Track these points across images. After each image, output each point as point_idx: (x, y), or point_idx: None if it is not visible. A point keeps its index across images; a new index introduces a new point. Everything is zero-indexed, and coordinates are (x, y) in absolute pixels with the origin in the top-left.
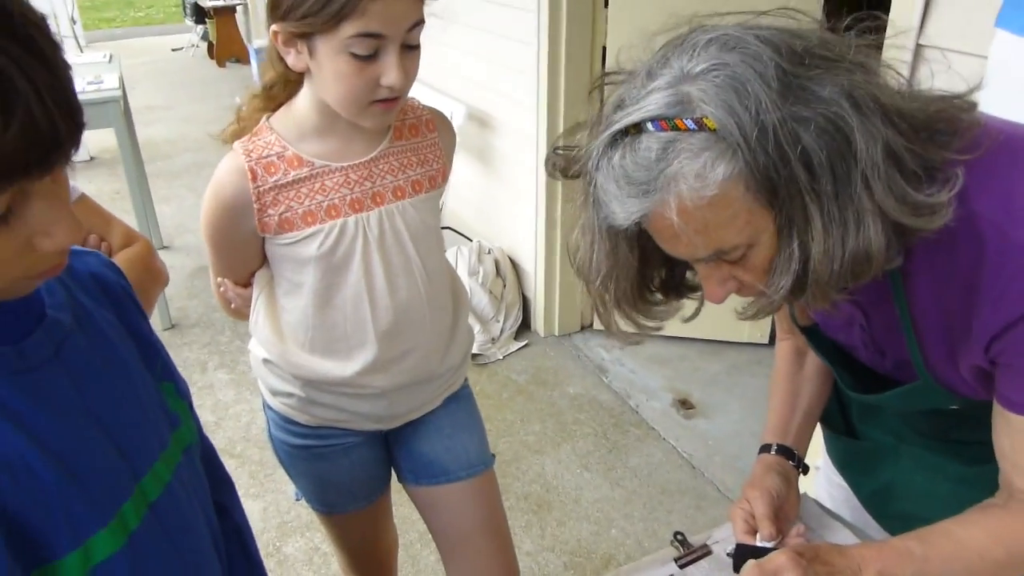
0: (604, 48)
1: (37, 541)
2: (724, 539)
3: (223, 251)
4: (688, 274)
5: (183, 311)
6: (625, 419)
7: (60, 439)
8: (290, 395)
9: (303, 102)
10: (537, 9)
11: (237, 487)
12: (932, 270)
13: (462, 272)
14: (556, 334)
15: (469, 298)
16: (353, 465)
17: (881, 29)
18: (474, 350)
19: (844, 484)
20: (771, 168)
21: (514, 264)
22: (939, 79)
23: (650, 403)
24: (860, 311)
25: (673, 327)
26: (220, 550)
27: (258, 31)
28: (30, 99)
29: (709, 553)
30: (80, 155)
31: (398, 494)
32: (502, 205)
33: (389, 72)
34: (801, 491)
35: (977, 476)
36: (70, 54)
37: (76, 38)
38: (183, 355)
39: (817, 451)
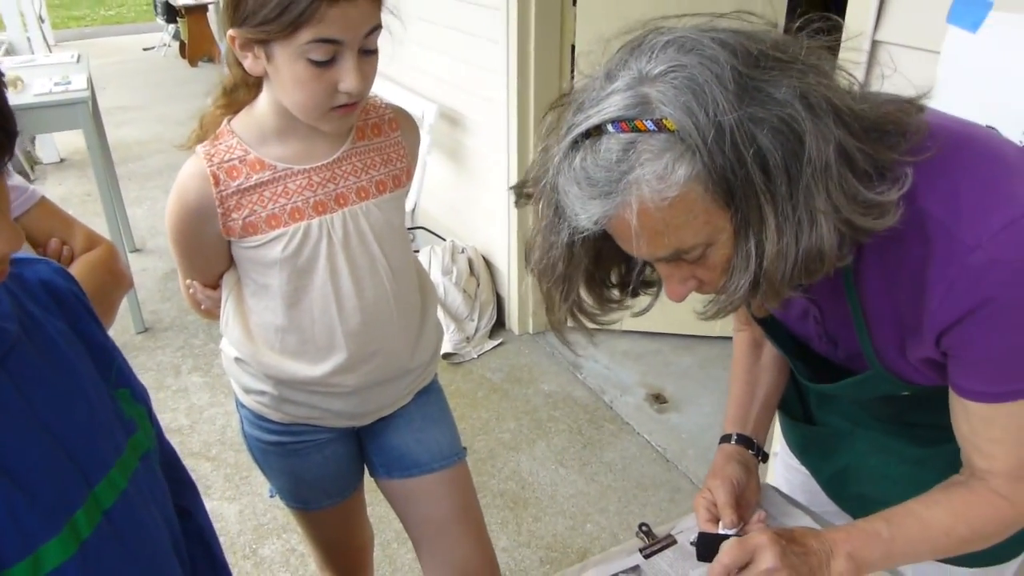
0: (573, 47)
1: None
2: (688, 529)
3: (189, 254)
4: (647, 271)
5: (156, 314)
6: (599, 415)
7: (6, 449)
8: (263, 393)
9: (263, 105)
10: (506, 8)
11: (212, 490)
12: (882, 266)
13: (435, 271)
14: (530, 332)
15: (438, 293)
16: (326, 461)
17: (835, 30)
18: (449, 349)
19: (801, 469)
20: (728, 169)
21: (488, 263)
22: (892, 79)
23: (624, 398)
24: (814, 305)
25: (646, 323)
26: (182, 555)
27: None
28: None
29: (674, 543)
30: (50, 156)
31: (373, 493)
32: (475, 204)
33: (347, 77)
34: (761, 479)
35: (930, 457)
36: (38, 54)
37: (44, 37)
38: (157, 358)
39: (774, 438)
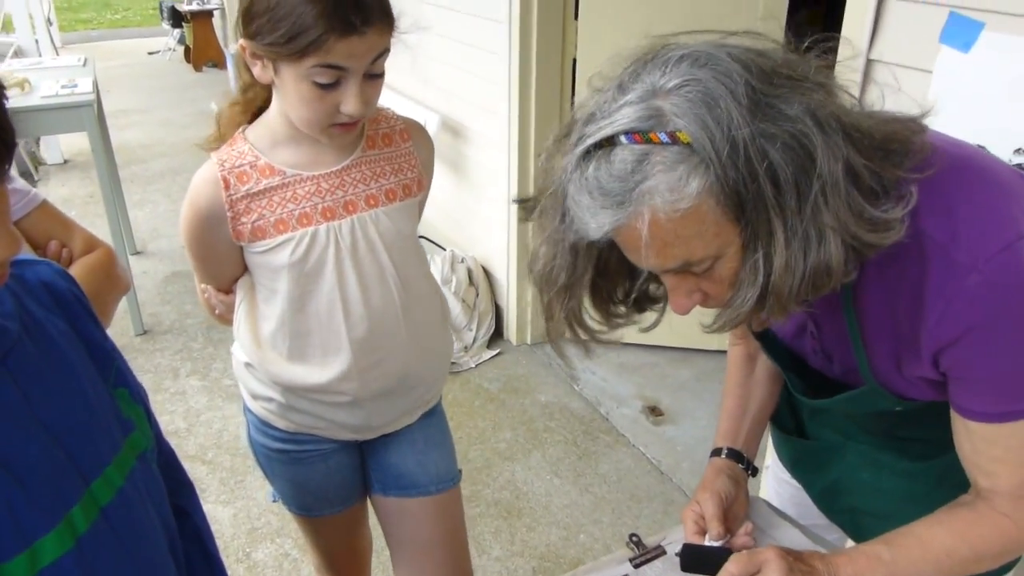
0: (574, 60)
1: None
2: (677, 540)
3: (203, 258)
4: (651, 287)
5: (156, 317)
6: (595, 426)
7: (5, 444)
8: (270, 400)
9: (274, 112)
10: (508, 20)
11: (207, 493)
12: (882, 282)
13: None
14: (528, 343)
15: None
16: (330, 471)
17: (835, 50)
18: None
19: (792, 482)
20: (740, 183)
21: (487, 273)
22: (889, 99)
23: (620, 410)
24: (811, 320)
25: (643, 335)
26: (178, 554)
27: (235, 36)
28: None
29: (663, 553)
30: (54, 158)
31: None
32: (475, 214)
33: (348, 101)
34: (752, 492)
35: (921, 471)
36: (46, 56)
37: (52, 40)
38: (155, 361)
39: (765, 452)
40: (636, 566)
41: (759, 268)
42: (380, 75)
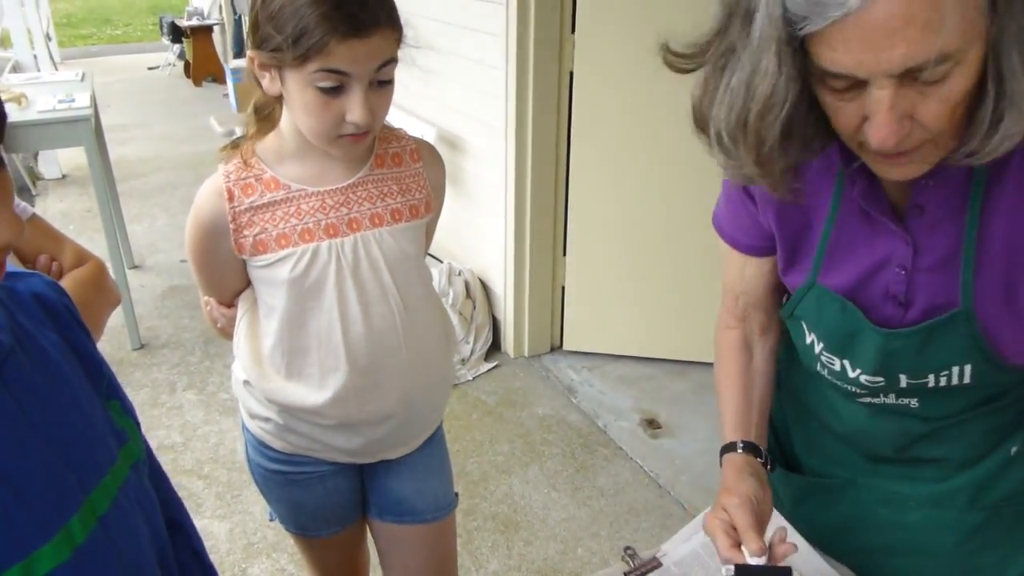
0: (572, 73)
1: None
2: (671, 552)
3: (205, 270)
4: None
5: (153, 331)
6: (593, 439)
7: (3, 455)
8: (267, 420)
9: (284, 125)
10: (505, 35)
11: (203, 508)
12: (1021, 186)
13: None
14: (526, 355)
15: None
16: (328, 492)
17: None
18: None
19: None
20: None
21: (484, 285)
22: None
23: (618, 423)
24: (909, 248)
25: (640, 347)
26: (168, 565)
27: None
28: None
29: (659, 566)
30: (52, 173)
31: None
32: (472, 226)
33: (354, 109)
34: None
35: (947, 494)
36: (44, 71)
37: (51, 55)
38: (152, 375)
39: None
40: None
41: (991, 93)
42: (388, 84)
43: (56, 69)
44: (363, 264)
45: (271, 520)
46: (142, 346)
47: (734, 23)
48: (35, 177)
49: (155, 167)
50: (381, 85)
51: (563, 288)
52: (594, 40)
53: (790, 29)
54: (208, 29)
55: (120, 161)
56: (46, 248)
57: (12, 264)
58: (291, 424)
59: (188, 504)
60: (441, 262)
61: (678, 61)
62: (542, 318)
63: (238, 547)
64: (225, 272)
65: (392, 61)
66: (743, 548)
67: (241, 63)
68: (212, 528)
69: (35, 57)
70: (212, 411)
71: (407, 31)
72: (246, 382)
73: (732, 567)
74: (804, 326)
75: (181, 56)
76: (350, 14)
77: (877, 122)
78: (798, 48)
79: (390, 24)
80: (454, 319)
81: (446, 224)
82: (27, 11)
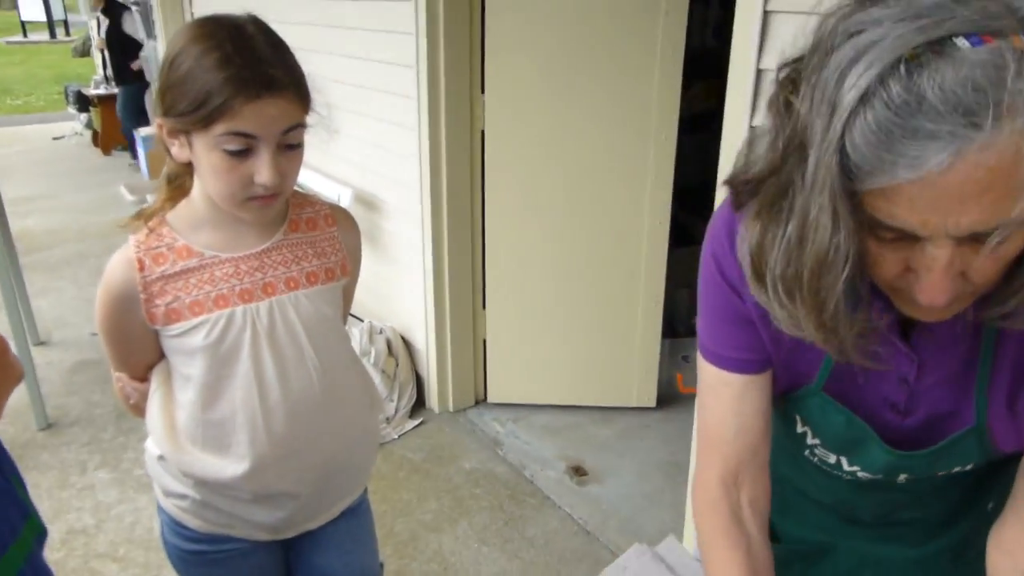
0: (483, 132)
1: None
2: None
3: (117, 344)
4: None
5: (62, 409)
6: (521, 490)
7: None
8: (183, 496)
9: (195, 193)
10: (417, 97)
11: None
12: None
13: None
14: (451, 410)
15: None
16: (251, 570)
17: None
18: None
19: None
20: None
21: (406, 342)
22: None
23: (545, 472)
24: (915, 364)
25: (563, 396)
26: None
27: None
28: None
29: None
30: None
31: None
32: (392, 284)
33: (262, 171)
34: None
35: (932, 555)
36: None
37: None
38: (61, 455)
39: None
40: None
41: None
42: (296, 148)
43: None
44: (279, 328)
45: None
46: (49, 425)
47: (789, 157)
48: None
49: (62, 239)
50: (290, 148)
51: (484, 341)
52: (503, 98)
53: (847, 179)
54: (115, 97)
55: (24, 234)
56: None
57: None
58: (209, 500)
59: None
60: (362, 321)
61: (744, 189)
62: (465, 372)
63: None
64: (137, 344)
65: (300, 126)
66: None
67: (151, 130)
68: None
69: None
70: (127, 488)
71: (316, 96)
72: (160, 457)
73: None
74: (798, 419)
75: (89, 125)
76: (255, 77)
77: (930, 280)
78: (857, 202)
79: (296, 88)
80: (377, 378)
81: (366, 283)
82: None
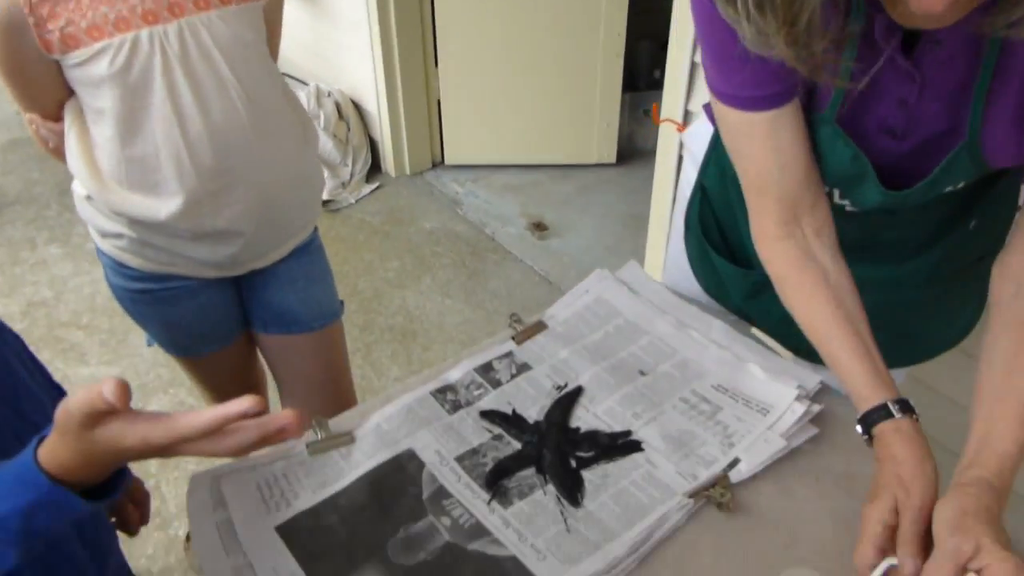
0: None
1: None
2: (556, 314)
3: (16, 81)
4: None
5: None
6: (482, 246)
7: None
8: (119, 236)
9: None
10: None
11: (89, 356)
12: None
13: None
14: (408, 173)
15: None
16: (201, 308)
17: None
18: (325, 196)
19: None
20: None
21: (356, 105)
22: None
23: (505, 229)
24: (916, 84)
25: (523, 154)
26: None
27: None
28: None
29: (544, 328)
30: None
31: None
32: (336, 44)
33: None
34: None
35: (907, 275)
36: None
37: None
38: (7, 233)
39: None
40: (519, 343)
41: None
42: None
43: None
44: (192, 53)
45: (149, 345)
46: None
47: None
48: None
49: None
50: None
51: (439, 102)
52: None
53: None
54: None
55: None
56: None
57: None
58: (147, 238)
59: (71, 355)
60: (307, 84)
61: None
62: (420, 134)
63: (132, 388)
64: (39, 79)
65: None
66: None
67: None
68: (101, 374)
69: None
70: (81, 262)
71: None
72: (88, 197)
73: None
74: None
75: None
76: None
77: None
78: None
79: None
80: (328, 143)
81: (307, 43)
82: None
